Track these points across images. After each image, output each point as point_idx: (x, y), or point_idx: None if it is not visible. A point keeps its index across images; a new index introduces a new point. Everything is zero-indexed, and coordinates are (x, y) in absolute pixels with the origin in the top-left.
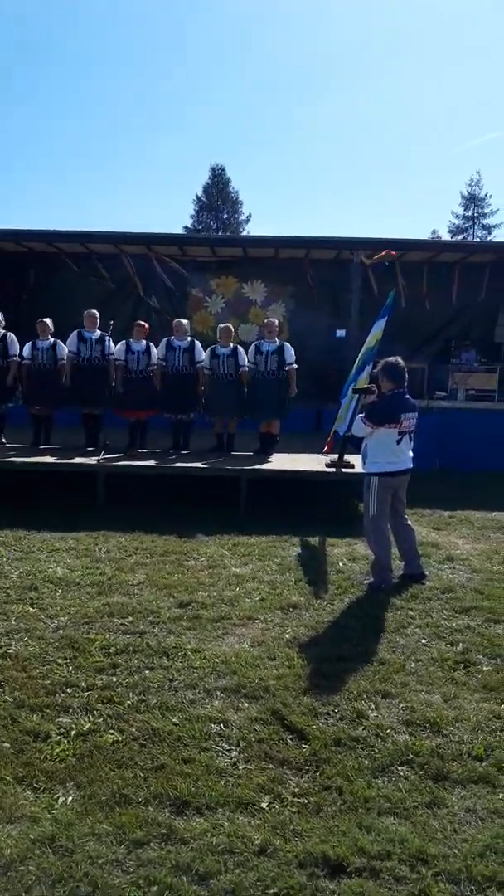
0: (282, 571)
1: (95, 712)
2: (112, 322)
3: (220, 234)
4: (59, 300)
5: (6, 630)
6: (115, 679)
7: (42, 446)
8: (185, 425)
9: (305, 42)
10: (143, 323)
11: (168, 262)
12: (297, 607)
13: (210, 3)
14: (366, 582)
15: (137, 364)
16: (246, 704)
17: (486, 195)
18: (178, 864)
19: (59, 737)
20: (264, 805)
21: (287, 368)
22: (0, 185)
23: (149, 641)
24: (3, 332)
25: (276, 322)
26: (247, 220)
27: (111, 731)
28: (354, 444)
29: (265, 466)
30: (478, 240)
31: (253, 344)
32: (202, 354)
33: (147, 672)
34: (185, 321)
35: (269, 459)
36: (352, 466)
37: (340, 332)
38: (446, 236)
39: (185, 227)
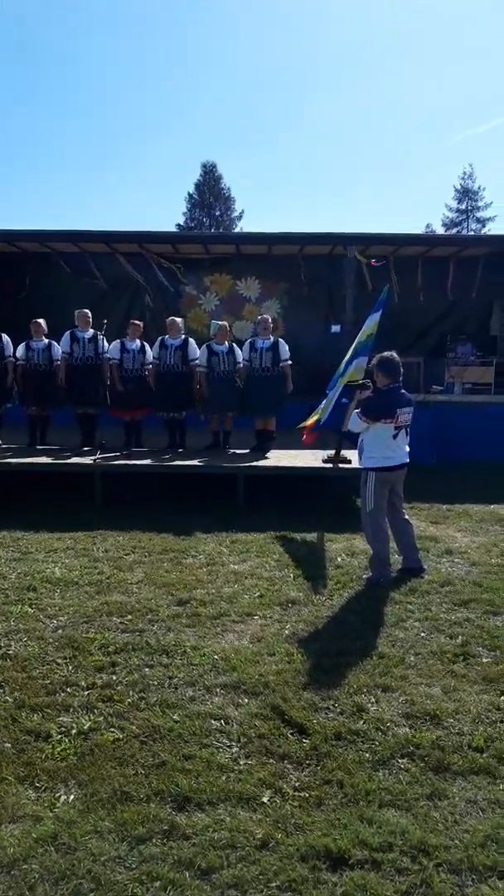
0: (280, 568)
1: (96, 711)
2: (105, 321)
3: (212, 231)
4: (52, 300)
5: (5, 631)
6: (115, 677)
7: (38, 446)
8: (180, 423)
9: (298, 40)
10: (137, 322)
11: (162, 262)
12: (296, 603)
13: (206, 3)
14: (364, 577)
15: (132, 363)
16: (246, 700)
17: (479, 188)
18: (180, 859)
19: (59, 736)
20: (265, 800)
21: (282, 365)
22: None
23: (148, 639)
24: None
25: (270, 319)
26: (239, 217)
27: (112, 729)
28: (351, 440)
29: (262, 463)
30: (472, 233)
31: (247, 341)
32: (196, 352)
33: (147, 670)
34: (179, 319)
35: (266, 456)
36: (349, 462)
37: (335, 328)
38: (440, 230)
39: (178, 225)
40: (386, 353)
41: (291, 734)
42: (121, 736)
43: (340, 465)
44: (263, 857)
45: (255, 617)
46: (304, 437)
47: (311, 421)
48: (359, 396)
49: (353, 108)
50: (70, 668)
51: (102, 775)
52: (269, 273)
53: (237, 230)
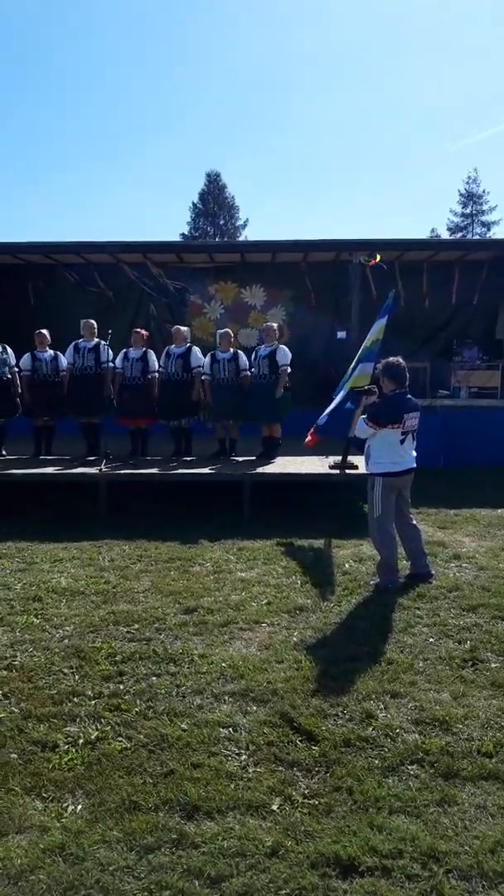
0: (288, 574)
1: (103, 720)
2: (110, 331)
3: (217, 240)
4: (57, 311)
5: (11, 641)
6: (122, 687)
7: (44, 457)
8: (185, 431)
9: (299, 41)
10: (140, 330)
11: (164, 280)
12: (303, 610)
13: (206, 3)
14: (372, 582)
15: (132, 371)
16: (254, 708)
17: (483, 192)
18: (189, 868)
19: (66, 746)
20: (275, 807)
21: (279, 371)
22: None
23: (155, 648)
24: (1, 345)
25: (275, 326)
26: (244, 226)
27: (119, 738)
28: (358, 446)
29: (268, 470)
30: (477, 237)
31: (254, 349)
32: (200, 360)
33: (154, 679)
34: (184, 328)
35: (273, 463)
36: (355, 468)
37: (341, 334)
38: (445, 234)
39: (183, 234)
40: (392, 359)
41: (300, 741)
42: (128, 745)
43: (347, 471)
44: (273, 864)
45: (263, 624)
46: (307, 439)
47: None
48: (365, 402)
49: (354, 110)
50: (77, 677)
51: (110, 785)
52: (274, 280)
53: (241, 238)
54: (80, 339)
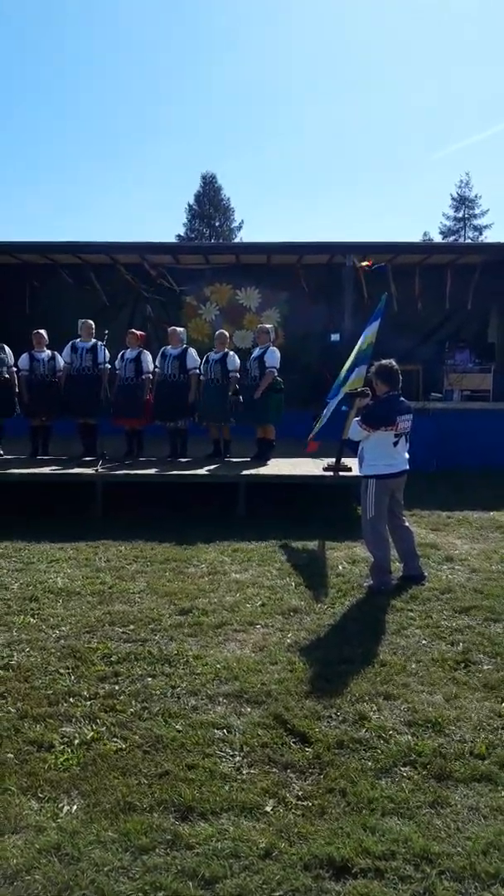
0: (282, 576)
1: (98, 721)
2: (107, 332)
3: (212, 241)
4: (54, 311)
5: (7, 641)
6: (117, 687)
7: (40, 457)
8: (181, 432)
9: (297, 46)
10: (135, 331)
11: (161, 280)
12: (297, 611)
13: (196, 8)
14: (365, 584)
15: (125, 371)
16: (248, 709)
17: (475, 196)
18: (183, 869)
19: (62, 746)
20: (268, 809)
21: (266, 372)
22: None
23: (150, 649)
24: None
25: (269, 328)
26: (239, 227)
27: (114, 739)
28: (351, 448)
29: (263, 471)
30: (469, 241)
31: (250, 351)
32: (196, 361)
33: (149, 679)
34: (180, 329)
35: (267, 464)
36: (349, 470)
37: (335, 336)
38: (438, 238)
39: (179, 236)
40: (385, 361)
41: (294, 743)
42: (123, 746)
43: (341, 473)
44: (267, 866)
45: (257, 626)
46: (309, 445)
47: (315, 432)
48: (358, 404)
49: (348, 113)
50: (72, 678)
51: (105, 785)
52: (269, 282)
53: (237, 240)
54: (78, 339)
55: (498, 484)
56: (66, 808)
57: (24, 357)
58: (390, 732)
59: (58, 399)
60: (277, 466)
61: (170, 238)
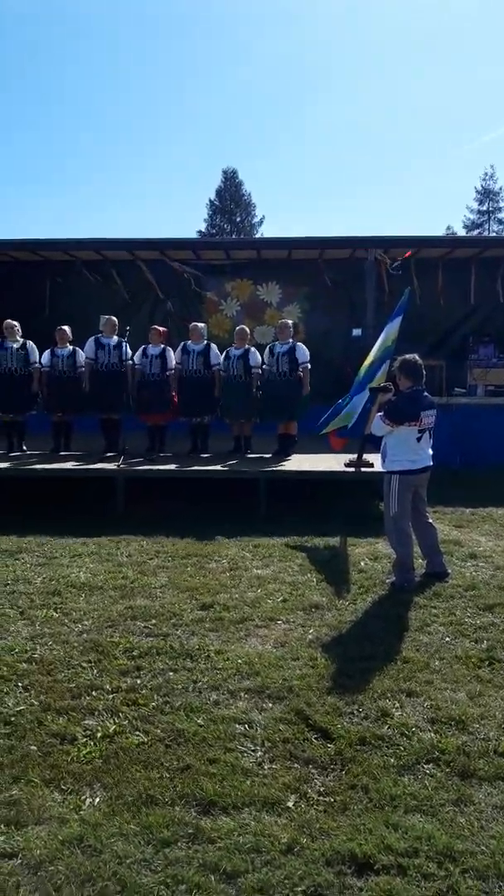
0: (303, 572)
1: (121, 714)
2: (129, 328)
3: (233, 237)
4: (76, 308)
5: (31, 635)
6: (139, 681)
7: (62, 452)
8: (203, 428)
9: (315, 40)
10: (157, 327)
11: (182, 271)
12: (319, 607)
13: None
14: (388, 581)
15: (151, 368)
16: (270, 705)
17: (500, 189)
18: (205, 863)
19: (85, 739)
20: (290, 804)
21: (300, 369)
22: (14, 196)
23: (172, 644)
24: (21, 340)
25: (290, 323)
26: (260, 223)
27: (137, 732)
28: (374, 443)
29: (284, 467)
30: (493, 234)
31: (267, 346)
32: (218, 357)
33: (171, 674)
34: (200, 325)
35: (288, 460)
36: (371, 466)
37: (357, 331)
38: (462, 232)
39: (200, 232)
40: (408, 356)
41: (316, 739)
42: (145, 739)
43: (363, 469)
44: (289, 861)
45: (279, 621)
46: (332, 441)
47: (334, 427)
48: (380, 399)
49: (372, 108)
50: (95, 671)
51: (127, 778)
52: (290, 277)
53: (258, 236)
54: (100, 335)
55: None
56: (88, 801)
57: (46, 353)
58: (413, 729)
59: (78, 394)
60: (298, 462)
61: (191, 234)
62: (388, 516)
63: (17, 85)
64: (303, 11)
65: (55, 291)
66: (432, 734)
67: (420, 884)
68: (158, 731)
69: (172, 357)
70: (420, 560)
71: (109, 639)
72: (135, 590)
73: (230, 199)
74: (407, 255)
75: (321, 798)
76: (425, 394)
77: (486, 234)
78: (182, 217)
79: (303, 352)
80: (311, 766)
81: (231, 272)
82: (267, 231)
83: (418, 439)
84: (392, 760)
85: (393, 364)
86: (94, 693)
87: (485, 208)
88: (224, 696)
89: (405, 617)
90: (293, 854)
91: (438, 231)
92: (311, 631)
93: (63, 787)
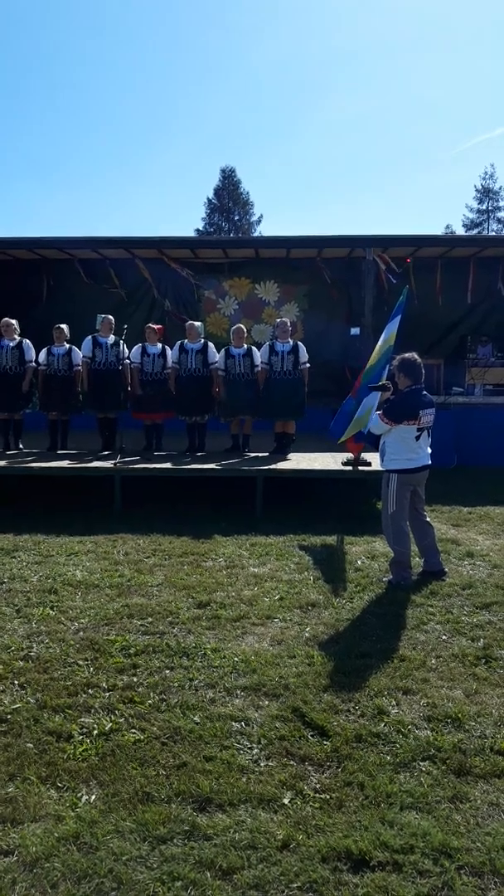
0: (300, 570)
1: (117, 712)
2: (126, 326)
3: (231, 235)
4: (73, 306)
5: (27, 633)
6: (135, 679)
7: (59, 451)
8: (200, 427)
9: (314, 39)
10: (153, 326)
11: (179, 270)
12: (316, 606)
13: (210, 4)
14: (385, 579)
15: (153, 367)
16: (266, 702)
17: (500, 188)
18: (201, 859)
19: (81, 737)
20: (286, 801)
21: (301, 368)
22: (9, 195)
23: (169, 642)
24: (18, 338)
25: (289, 322)
26: (258, 221)
27: (133, 730)
28: (371, 442)
29: (281, 466)
30: (493, 233)
31: (266, 344)
32: (216, 356)
33: (167, 672)
34: (198, 323)
35: (286, 459)
36: (369, 464)
37: (355, 331)
38: (460, 230)
39: (197, 230)
40: (407, 355)
41: (312, 736)
42: (142, 737)
43: (360, 468)
44: (284, 857)
45: (276, 619)
46: (350, 447)
47: (351, 433)
48: (380, 398)
49: (370, 107)
50: (91, 669)
51: (124, 776)
52: (288, 276)
53: (256, 234)
54: (97, 334)
55: None
56: (84, 798)
57: (42, 352)
58: (409, 727)
59: (74, 393)
60: (296, 461)
61: (188, 233)
62: (385, 514)
63: (14, 85)
64: (302, 11)
65: (52, 290)
66: (428, 732)
67: (416, 880)
68: (155, 728)
69: (170, 355)
70: (417, 558)
71: (106, 637)
72: (131, 588)
73: (228, 198)
74: (407, 260)
75: (317, 795)
76: (424, 392)
77: (485, 233)
78: (180, 216)
79: (304, 352)
80: (307, 764)
81: (229, 271)
82: (265, 230)
83: (417, 438)
84: (388, 758)
85: (392, 363)
86: (90, 691)
87: (484, 207)
88: (220, 694)
89: (402, 615)
90: (289, 851)
91: (438, 230)
92: (307, 629)
93: (59, 784)
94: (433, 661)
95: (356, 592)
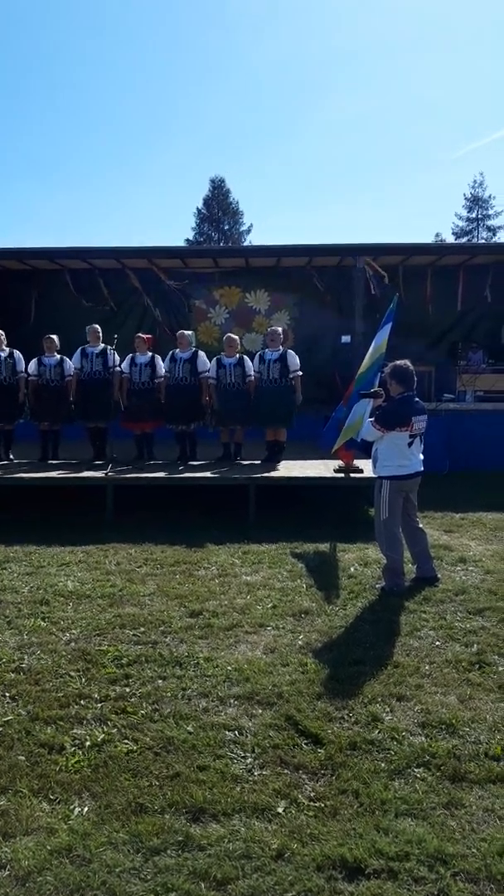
0: (293, 578)
1: (109, 723)
2: (116, 336)
3: (221, 245)
4: (63, 316)
5: (19, 644)
6: (128, 689)
7: (50, 461)
8: (190, 436)
9: (314, 39)
10: (142, 335)
11: (164, 280)
12: (309, 613)
13: (214, 4)
14: (378, 586)
15: (140, 376)
16: (260, 711)
17: (489, 196)
18: (195, 870)
19: (73, 748)
20: (280, 810)
21: (291, 376)
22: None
23: (161, 651)
24: (8, 349)
25: (280, 330)
26: (248, 231)
27: (125, 741)
28: (363, 449)
29: (273, 474)
30: (482, 241)
31: (257, 353)
32: (206, 365)
33: (160, 682)
34: (188, 332)
35: (277, 467)
36: (360, 471)
37: (346, 338)
38: (450, 239)
39: (187, 240)
40: (399, 362)
41: (306, 744)
42: (135, 748)
43: (352, 475)
44: (279, 867)
45: (268, 627)
46: (342, 456)
47: (343, 441)
48: (372, 405)
49: (360, 114)
50: (83, 680)
51: (116, 787)
52: (279, 285)
53: (246, 244)
54: (87, 345)
55: None
56: (77, 810)
57: (33, 362)
58: (403, 734)
59: (66, 404)
60: (287, 468)
61: (178, 242)
62: (378, 521)
63: (14, 85)
64: (295, 22)
65: (41, 301)
66: (423, 738)
67: (411, 888)
68: (148, 738)
69: (161, 365)
70: (410, 565)
71: (98, 647)
72: (123, 598)
73: (218, 208)
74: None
75: (311, 803)
76: (416, 399)
77: (475, 241)
78: (169, 225)
79: (294, 360)
80: (301, 772)
81: (219, 280)
82: (255, 239)
83: (409, 444)
84: (382, 765)
85: (384, 370)
86: (82, 702)
87: (474, 216)
88: (213, 703)
89: (395, 622)
90: (284, 860)
91: (428, 238)
92: (300, 637)
93: (51, 796)
94: (427, 668)
95: (349, 599)
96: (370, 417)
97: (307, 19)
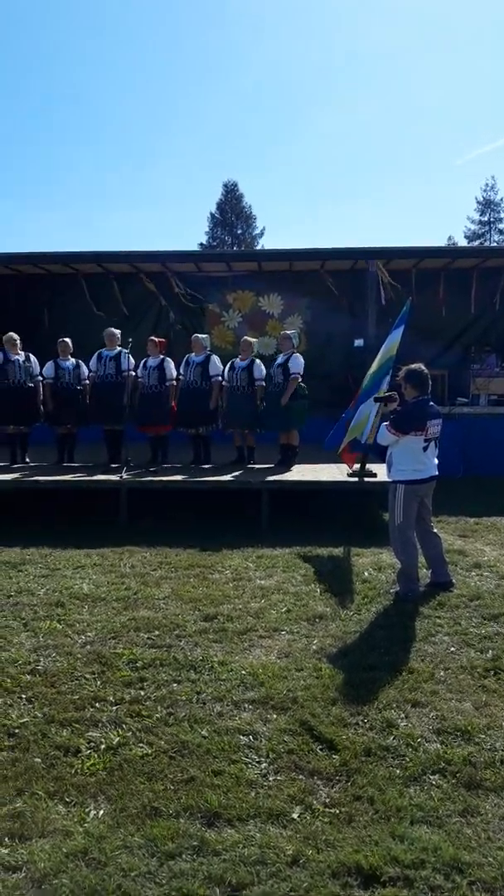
0: (307, 582)
1: (124, 726)
2: (131, 340)
3: (234, 249)
4: (77, 321)
5: (34, 647)
6: (143, 693)
7: (66, 464)
8: (204, 439)
9: (314, 41)
10: (155, 339)
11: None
12: (323, 618)
13: (216, 9)
14: (392, 591)
15: (149, 379)
16: (274, 716)
17: (501, 200)
18: (210, 875)
19: (89, 751)
20: (295, 816)
21: (290, 379)
22: (13, 210)
23: (176, 655)
24: (24, 353)
25: (290, 334)
26: (261, 234)
27: (140, 744)
28: (377, 453)
29: (287, 478)
30: (494, 244)
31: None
32: (218, 368)
33: (175, 685)
34: (202, 336)
35: (290, 470)
36: (374, 476)
37: (359, 342)
38: (463, 242)
39: (201, 244)
40: (414, 366)
41: (321, 750)
42: (149, 751)
43: (366, 479)
44: (294, 873)
45: (283, 632)
46: (345, 458)
47: (347, 441)
48: (383, 409)
49: (372, 119)
50: (98, 683)
51: (132, 790)
52: (292, 288)
53: (259, 247)
54: (104, 349)
55: None
56: (92, 813)
57: (49, 365)
58: (419, 740)
59: (83, 407)
60: (301, 472)
61: (192, 247)
62: (392, 526)
63: (15, 97)
64: (302, 23)
65: (56, 305)
66: (438, 745)
67: (427, 895)
68: (162, 742)
69: (172, 368)
70: (424, 570)
71: (113, 650)
72: (138, 601)
73: (231, 212)
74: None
75: (326, 810)
76: (431, 403)
77: (487, 244)
78: (183, 230)
79: (296, 363)
80: (316, 778)
81: (232, 284)
82: (267, 243)
83: (424, 449)
84: (398, 771)
85: (397, 374)
86: (97, 705)
87: (486, 219)
88: (228, 708)
89: (410, 627)
90: (298, 866)
91: (440, 241)
92: (315, 641)
93: (67, 799)
94: (442, 674)
95: (363, 604)
96: (385, 422)
97: (309, 21)
